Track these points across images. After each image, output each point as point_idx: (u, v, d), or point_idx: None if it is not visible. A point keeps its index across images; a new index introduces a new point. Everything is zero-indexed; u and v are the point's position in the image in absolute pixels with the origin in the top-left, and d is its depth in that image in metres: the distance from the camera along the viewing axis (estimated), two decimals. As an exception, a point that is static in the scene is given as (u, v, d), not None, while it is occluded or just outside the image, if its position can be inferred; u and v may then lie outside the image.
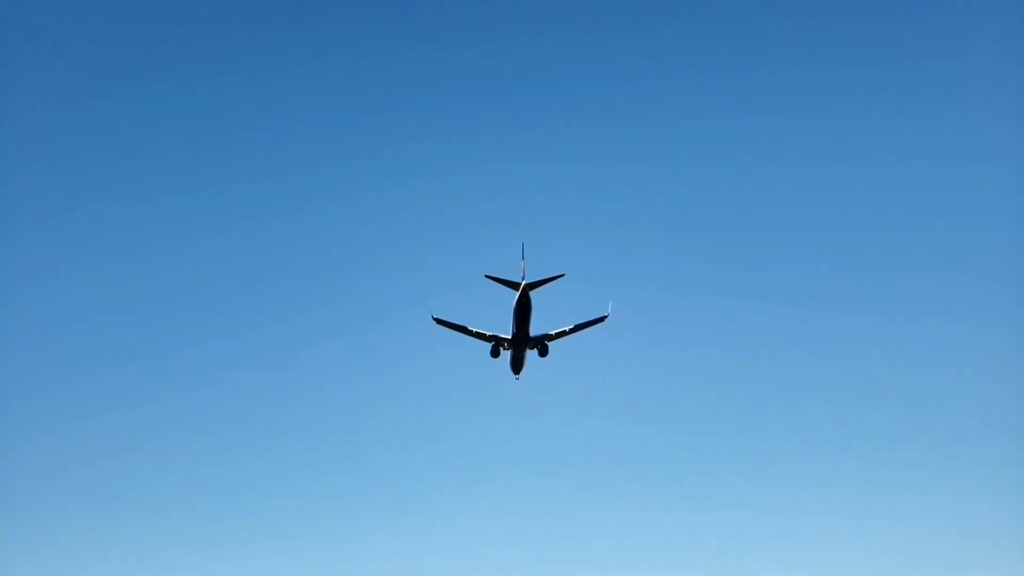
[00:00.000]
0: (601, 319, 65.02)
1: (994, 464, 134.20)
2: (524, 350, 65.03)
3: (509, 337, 63.87)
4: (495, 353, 65.54)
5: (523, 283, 59.19)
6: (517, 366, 66.83)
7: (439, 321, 64.61)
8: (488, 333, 64.65)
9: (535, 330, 63.54)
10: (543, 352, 65.38)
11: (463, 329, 64.97)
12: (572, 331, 65.00)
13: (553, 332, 64.65)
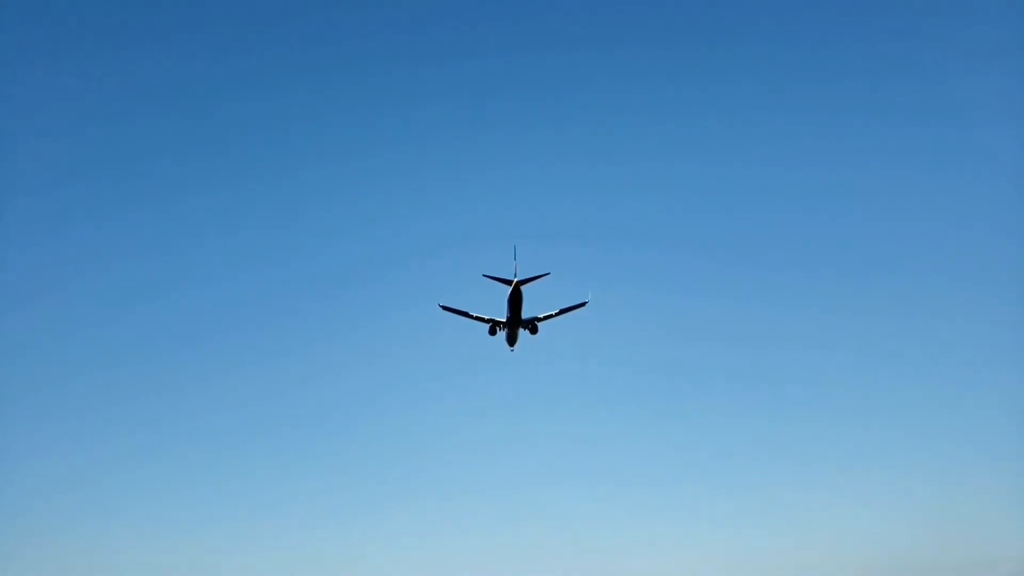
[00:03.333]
0: (582, 304, 76.07)
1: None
2: (517, 329, 76.16)
3: (504, 320, 74.97)
4: (492, 332, 76.69)
5: (515, 280, 69.97)
6: (512, 341, 78.12)
7: (445, 308, 75.53)
8: (486, 317, 75.68)
9: (526, 314, 74.54)
10: (533, 331, 76.43)
11: (465, 314, 75.89)
12: (558, 314, 76.01)
13: (542, 315, 75.61)
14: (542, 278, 70.22)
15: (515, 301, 72.12)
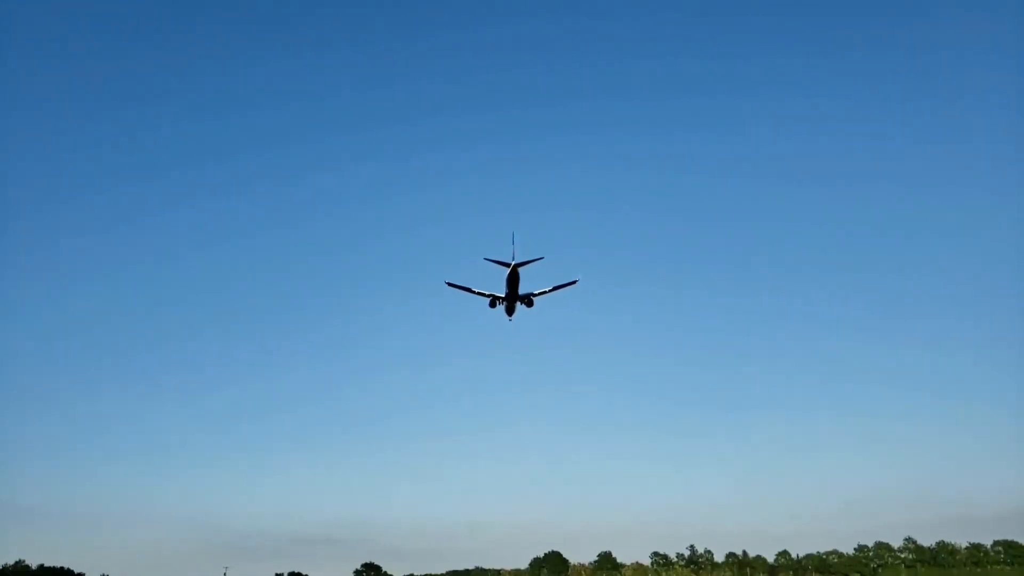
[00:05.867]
0: (573, 283, 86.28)
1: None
2: (515, 303, 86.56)
3: (502, 295, 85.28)
4: (492, 305, 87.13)
5: (513, 263, 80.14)
6: (510, 312, 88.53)
7: (450, 284, 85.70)
8: (487, 292, 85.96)
9: (523, 290, 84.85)
10: (529, 304, 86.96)
11: (468, 289, 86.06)
12: (552, 291, 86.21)
13: (536, 292, 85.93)
14: (537, 261, 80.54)
15: (513, 280, 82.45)
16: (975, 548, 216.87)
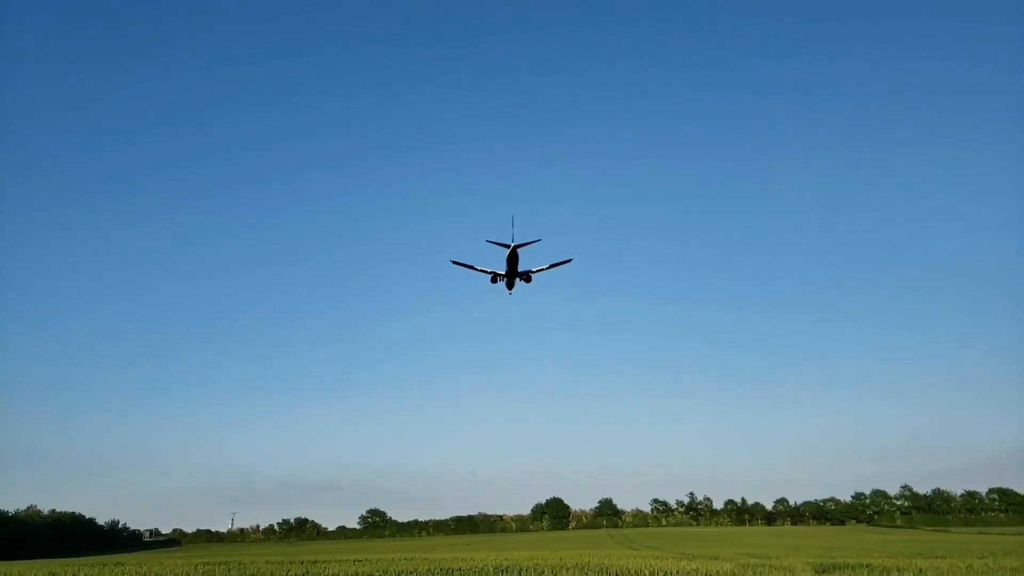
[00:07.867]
0: (568, 261, 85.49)
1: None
2: (514, 279, 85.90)
3: (503, 272, 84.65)
4: (493, 281, 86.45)
5: (513, 244, 79.10)
6: (510, 287, 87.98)
7: (455, 262, 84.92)
8: (488, 269, 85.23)
9: (522, 268, 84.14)
10: (527, 280, 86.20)
11: (471, 267, 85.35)
12: (548, 268, 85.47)
13: (535, 269, 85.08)
14: (535, 243, 79.55)
15: (513, 260, 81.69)
16: (970, 496, 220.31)
